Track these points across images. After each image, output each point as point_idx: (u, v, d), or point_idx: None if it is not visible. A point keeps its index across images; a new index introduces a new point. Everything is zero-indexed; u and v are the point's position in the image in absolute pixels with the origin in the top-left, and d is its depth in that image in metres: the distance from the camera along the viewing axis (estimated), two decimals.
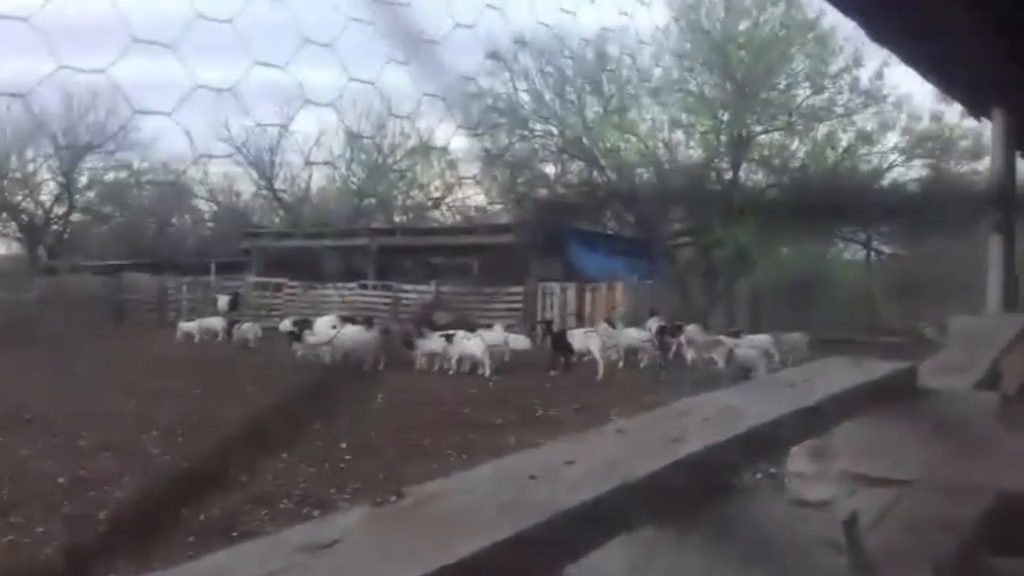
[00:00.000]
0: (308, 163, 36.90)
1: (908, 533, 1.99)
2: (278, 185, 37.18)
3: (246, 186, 37.49)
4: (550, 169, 25.83)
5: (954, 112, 20.34)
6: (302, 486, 7.77)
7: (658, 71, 22.78)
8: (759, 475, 4.26)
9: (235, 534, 6.12)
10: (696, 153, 23.72)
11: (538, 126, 24.85)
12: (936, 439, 2.40)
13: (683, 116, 23.04)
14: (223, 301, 25.74)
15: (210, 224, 39.25)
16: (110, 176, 37.02)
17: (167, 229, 38.63)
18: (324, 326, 18.70)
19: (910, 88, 22.96)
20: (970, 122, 20.07)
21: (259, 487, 7.78)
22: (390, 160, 35.06)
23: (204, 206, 39.51)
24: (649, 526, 1.34)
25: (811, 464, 2.48)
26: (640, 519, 1.27)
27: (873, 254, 24.73)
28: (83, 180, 36.92)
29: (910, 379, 2.46)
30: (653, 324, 19.15)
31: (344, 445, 9.50)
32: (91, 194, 37.52)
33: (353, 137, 34.05)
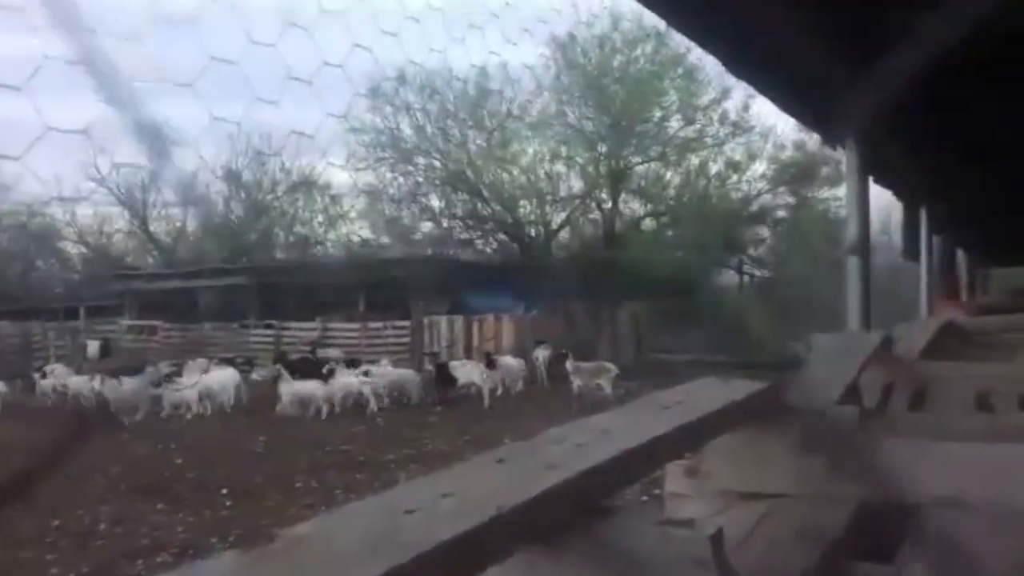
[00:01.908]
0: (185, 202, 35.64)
1: (776, 545, 2.08)
2: (152, 225, 35.85)
3: (120, 226, 35.96)
4: (435, 202, 25.88)
5: (814, 141, 21.57)
6: (181, 536, 7.44)
7: (537, 105, 23.26)
8: (644, 497, 4.35)
9: None
10: (577, 185, 24.26)
11: (421, 160, 24.90)
12: (801, 453, 2.51)
13: (563, 148, 23.53)
14: (93, 347, 24.46)
15: (78, 267, 37.38)
16: None
17: (31, 273, 36.56)
18: (196, 369, 17.98)
19: (775, 119, 24.25)
20: (829, 151, 21.44)
21: (132, 540, 7.43)
22: (270, 197, 34.33)
23: (72, 248, 37.63)
24: (525, 552, 1.36)
25: (686, 483, 2.56)
26: (516, 546, 1.29)
27: (745, 277, 25.77)
28: None
29: (775, 396, 2.57)
30: (541, 353, 19.40)
31: (225, 491, 9.18)
32: None
33: (230, 175, 33.24)
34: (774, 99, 4.79)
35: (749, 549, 1.98)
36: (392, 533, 1.10)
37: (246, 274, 27.90)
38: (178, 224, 36.81)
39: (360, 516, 1.17)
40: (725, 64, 4.19)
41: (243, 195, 34.95)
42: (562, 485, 1.37)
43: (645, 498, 4.42)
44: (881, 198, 7.68)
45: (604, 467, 1.52)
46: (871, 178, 5.93)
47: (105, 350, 24.46)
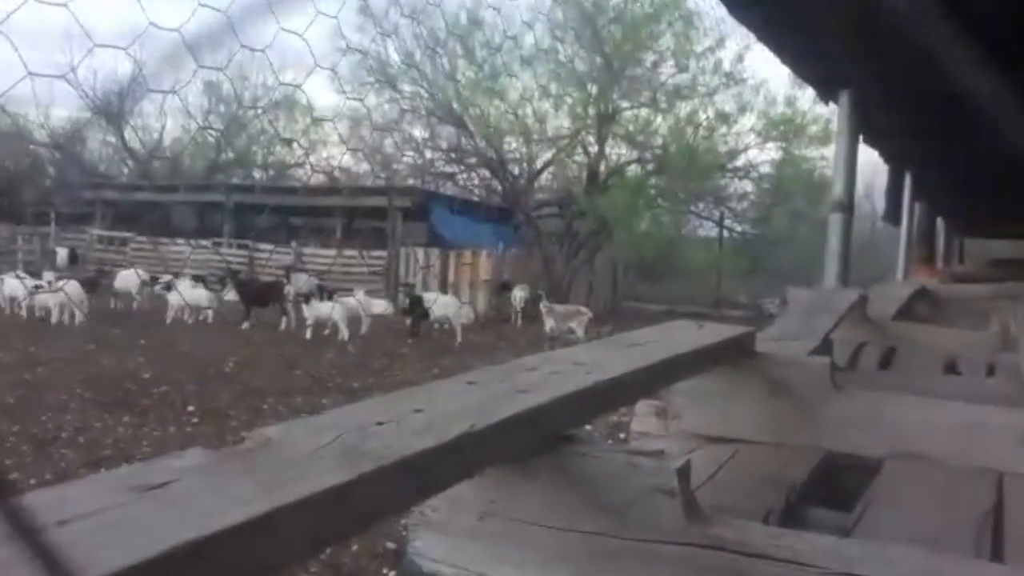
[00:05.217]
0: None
1: (739, 486, 2.11)
2: (129, 135, 35.17)
3: (94, 134, 35.24)
4: (419, 132, 25.51)
5: (806, 99, 21.48)
6: (146, 450, 7.45)
7: (530, 39, 22.86)
8: (609, 441, 4.40)
9: None
10: (564, 124, 23.98)
11: (408, 87, 24.49)
12: (770, 401, 2.53)
13: (553, 86, 23.21)
14: (62, 254, 24.16)
15: (51, 173, 36.69)
16: None
17: (2, 175, 35.86)
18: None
19: (768, 73, 24.04)
20: (819, 109, 21.35)
21: (98, 451, 7.44)
22: (251, 113, 33.72)
23: (45, 152, 36.86)
24: (494, 470, 1.36)
25: (654, 423, 2.59)
26: (484, 465, 1.29)
27: (726, 232, 25.79)
28: None
29: (749, 344, 2.58)
30: (518, 294, 19.46)
31: (191, 408, 9.19)
32: None
33: (211, 85, 32.57)
34: (772, 47, 4.72)
35: (713, 489, 2.00)
36: (362, 443, 1.09)
37: (222, 191, 27.53)
38: (155, 136, 36.22)
39: (330, 424, 1.16)
40: (728, 7, 4.11)
41: (222, 108, 34.35)
42: (533, 410, 1.37)
43: (610, 441, 4.48)
44: (867, 162, 7.67)
45: (574, 396, 1.52)
46: (861, 138, 5.91)
47: (73, 258, 24.17)
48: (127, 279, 18.41)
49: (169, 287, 17.42)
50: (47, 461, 7.05)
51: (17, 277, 17.52)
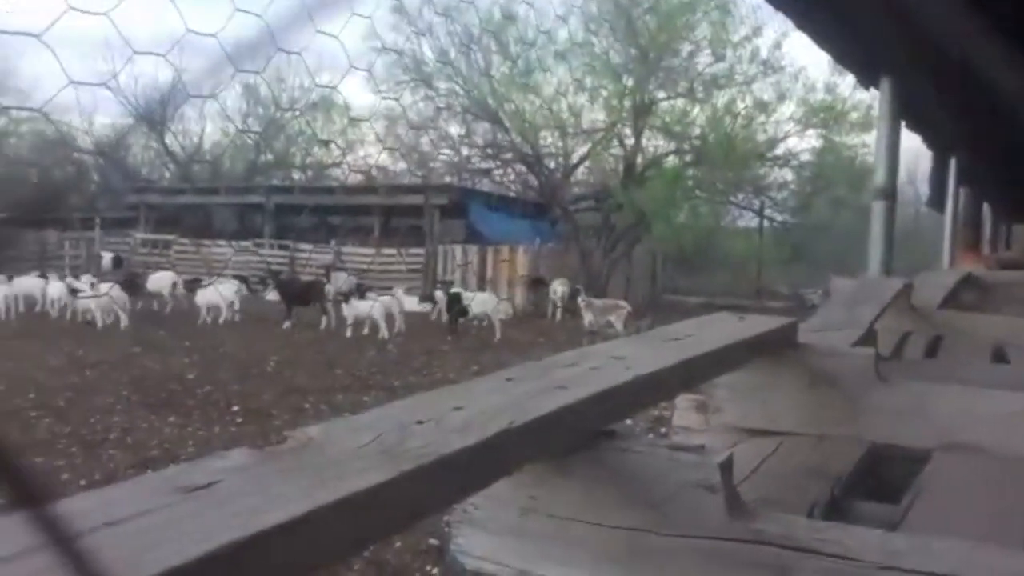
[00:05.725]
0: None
1: (783, 479, 2.08)
2: (169, 139, 35.72)
3: (136, 139, 35.83)
4: (454, 129, 25.57)
5: (846, 85, 21.14)
6: (191, 450, 7.58)
7: (564, 33, 22.79)
8: (649, 435, 4.38)
9: None
10: (600, 117, 23.86)
11: (443, 84, 24.55)
12: (814, 393, 2.50)
13: (588, 79, 23.10)
14: (107, 259, 24.66)
15: (95, 178, 37.40)
16: None
17: (49, 182, 36.61)
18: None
19: (806, 60, 23.68)
20: (860, 95, 21.01)
21: (144, 451, 7.58)
22: (288, 115, 34.07)
23: (89, 158, 37.61)
24: (533, 467, 1.36)
25: (695, 417, 2.57)
26: (524, 462, 1.29)
27: (766, 222, 25.49)
28: None
29: (791, 335, 2.55)
30: (558, 288, 19.46)
31: (235, 407, 9.33)
32: None
33: (249, 89, 32.94)
34: (811, 33, 4.66)
35: (756, 483, 1.99)
36: (402, 441, 1.10)
37: (262, 193, 27.89)
38: (195, 139, 36.74)
39: (370, 423, 1.17)
40: None
41: (261, 111, 34.74)
42: (572, 406, 1.37)
43: (651, 436, 4.45)
44: (909, 148, 7.54)
45: (614, 391, 1.51)
46: (903, 123, 5.81)
47: (117, 262, 24.65)
48: (160, 280, 18.72)
49: (194, 288, 17.72)
50: (96, 462, 7.21)
51: (60, 280, 17.93)
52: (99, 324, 15.69)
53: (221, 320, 16.79)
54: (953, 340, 4.23)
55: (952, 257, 9.34)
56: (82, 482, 6.45)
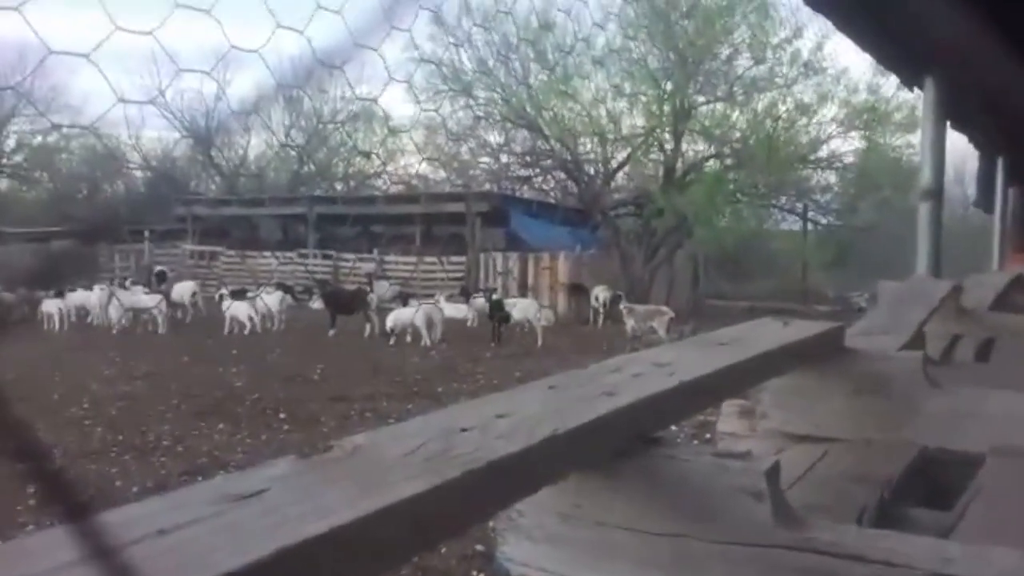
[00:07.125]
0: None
1: (831, 486, 2.05)
2: (214, 152, 36.32)
3: (182, 152, 36.54)
4: (494, 138, 25.66)
5: (890, 85, 20.78)
6: (240, 457, 7.68)
7: (601, 39, 22.76)
8: (694, 442, 4.34)
9: None
10: (639, 123, 23.77)
11: (482, 93, 24.65)
12: (861, 398, 2.46)
13: (626, 85, 23.04)
14: (154, 271, 25.16)
15: (143, 191, 38.14)
16: (38, 140, 35.74)
17: (98, 195, 37.46)
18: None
19: (848, 61, 23.32)
20: (904, 95, 20.65)
21: (194, 459, 7.70)
22: (330, 127, 34.48)
23: (138, 172, 38.42)
24: (577, 474, 1.36)
25: (740, 423, 2.54)
26: (568, 469, 1.29)
27: (810, 225, 25.17)
28: (10, 143, 35.62)
29: (837, 340, 2.52)
30: (601, 294, 19.41)
31: (283, 415, 9.44)
32: (18, 158, 36.22)
33: (292, 101, 33.37)
34: (852, 35, 4.59)
35: (803, 489, 1.96)
36: (447, 449, 1.11)
37: (305, 204, 28.25)
38: (239, 152, 37.32)
39: (416, 431, 1.18)
40: None
41: (303, 123, 35.20)
42: (616, 412, 1.36)
43: (696, 443, 4.42)
44: (955, 148, 7.39)
45: (658, 398, 1.50)
46: (948, 123, 5.70)
47: (162, 277, 25.13)
48: (182, 290, 19.07)
49: (222, 299, 18.06)
50: (148, 469, 7.34)
51: (103, 289, 18.42)
52: (161, 330, 16.39)
53: (247, 332, 17.09)
54: (1006, 342, 4.14)
55: (1001, 258, 9.13)
56: (134, 489, 6.57)
